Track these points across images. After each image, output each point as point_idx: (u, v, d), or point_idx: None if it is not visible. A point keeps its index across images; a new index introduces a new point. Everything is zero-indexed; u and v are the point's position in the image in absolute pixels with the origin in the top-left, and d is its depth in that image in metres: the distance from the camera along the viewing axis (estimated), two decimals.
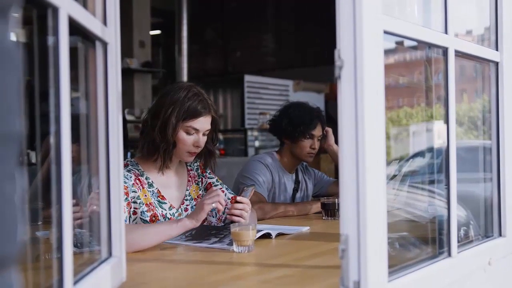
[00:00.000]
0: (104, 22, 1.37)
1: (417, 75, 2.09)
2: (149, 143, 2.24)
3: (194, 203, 2.38)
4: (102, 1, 1.37)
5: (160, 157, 2.25)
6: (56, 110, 1.02)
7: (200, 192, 2.43)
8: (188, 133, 2.23)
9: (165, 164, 2.28)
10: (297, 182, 3.18)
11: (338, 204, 2.71)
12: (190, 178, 2.42)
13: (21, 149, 0.62)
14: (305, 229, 2.39)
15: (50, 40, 1.03)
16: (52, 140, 1.03)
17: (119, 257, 1.41)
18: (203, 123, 2.25)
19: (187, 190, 2.39)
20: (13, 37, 0.62)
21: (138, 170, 2.26)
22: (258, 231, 2.07)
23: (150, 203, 2.22)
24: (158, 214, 2.23)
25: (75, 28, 1.13)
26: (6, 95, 0.56)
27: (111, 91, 1.39)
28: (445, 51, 1.56)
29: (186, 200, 2.37)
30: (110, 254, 1.39)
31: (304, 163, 3.23)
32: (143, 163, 2.29)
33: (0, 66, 0.56)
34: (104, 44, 1.36)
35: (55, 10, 1.01)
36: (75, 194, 1.07)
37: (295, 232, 2.31)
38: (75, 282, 1.11)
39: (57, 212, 1.02)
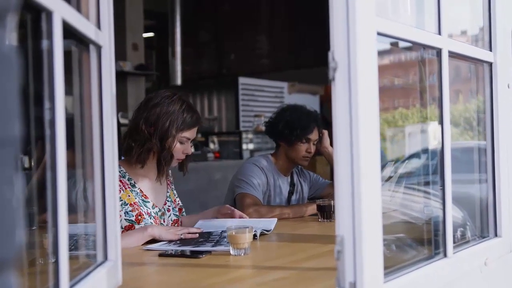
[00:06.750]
0: (98, 26, 1.36)
1: (412, 76, 2.09)
2: (145, 152, 2.28)
3: (174, 205, 2.48)
4: (96, 4, 1.37)
5: (159, 166, 2.33)
6: (50, 114, 1.01)
7: (176, 197, 2.54)
8: (181, 142, 2.33)
9: (165, 173, 2.38)
10: (292, 184, 3.17)
11: (334, 206, 2.72)
12: (169, 182, 2.52)
13: (18, 153, 0.63)
14: (273, 220, 2.44)
15: (44, 43, 1.02)
16: (47, 144, 1.02)
17: (115, 261, 1.41)
18: (195, 132, 2.39)
19: (168, 192, 2.48)
20: (10, 42, 0.62)
21: (120, 172, 2.29)
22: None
23: (134, 202, 2.28)
24: (143, 213, 2.29)
25: (68, 32, 1.12)
26: (5, 99, 0.56)
27: (106, 95, 1.38)
28: (438, 52, 1.57)
29: (168, 201, 2.46)
30: (105, 258, 1.39)
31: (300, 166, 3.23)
32: (125, 165, 2.34)
33: None
34: (98, 48, 1.36)
35: (49, 14, 1.01)
36: (70, 199, 1.07)
37: (268, 225, 2.33)
38: (71, 286, 1.10)
39: (52, 216, 1.01)
